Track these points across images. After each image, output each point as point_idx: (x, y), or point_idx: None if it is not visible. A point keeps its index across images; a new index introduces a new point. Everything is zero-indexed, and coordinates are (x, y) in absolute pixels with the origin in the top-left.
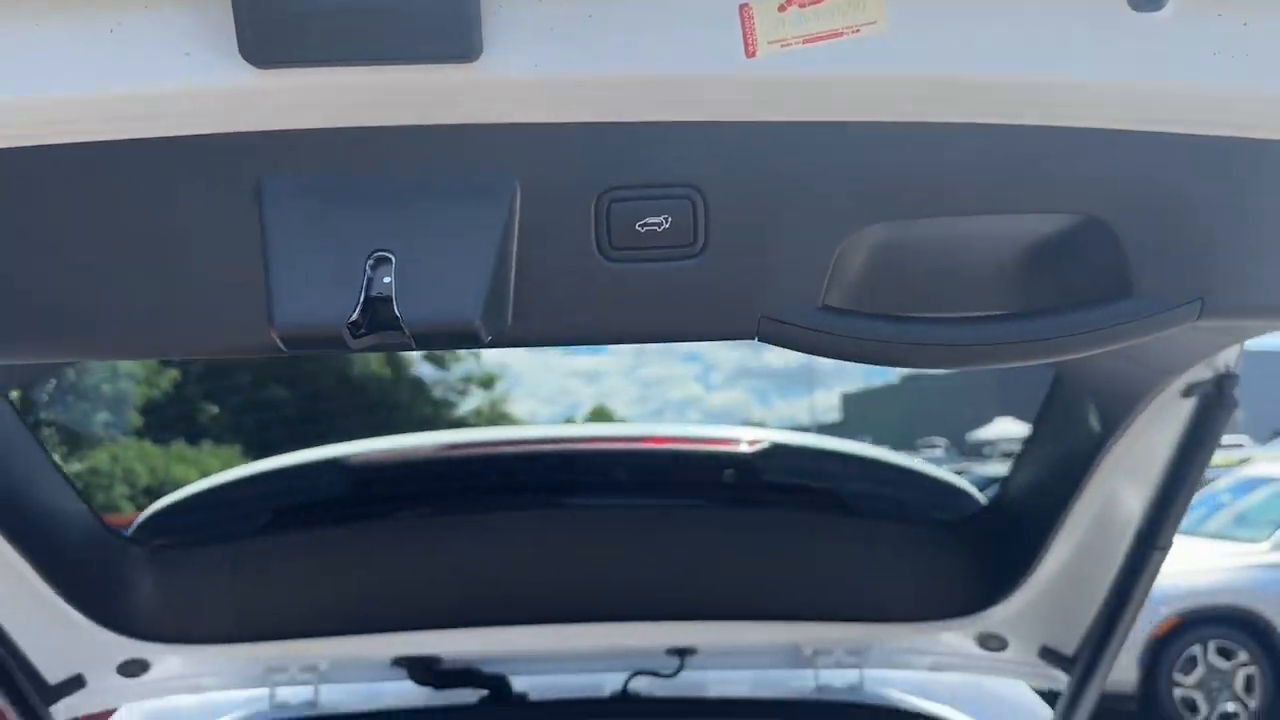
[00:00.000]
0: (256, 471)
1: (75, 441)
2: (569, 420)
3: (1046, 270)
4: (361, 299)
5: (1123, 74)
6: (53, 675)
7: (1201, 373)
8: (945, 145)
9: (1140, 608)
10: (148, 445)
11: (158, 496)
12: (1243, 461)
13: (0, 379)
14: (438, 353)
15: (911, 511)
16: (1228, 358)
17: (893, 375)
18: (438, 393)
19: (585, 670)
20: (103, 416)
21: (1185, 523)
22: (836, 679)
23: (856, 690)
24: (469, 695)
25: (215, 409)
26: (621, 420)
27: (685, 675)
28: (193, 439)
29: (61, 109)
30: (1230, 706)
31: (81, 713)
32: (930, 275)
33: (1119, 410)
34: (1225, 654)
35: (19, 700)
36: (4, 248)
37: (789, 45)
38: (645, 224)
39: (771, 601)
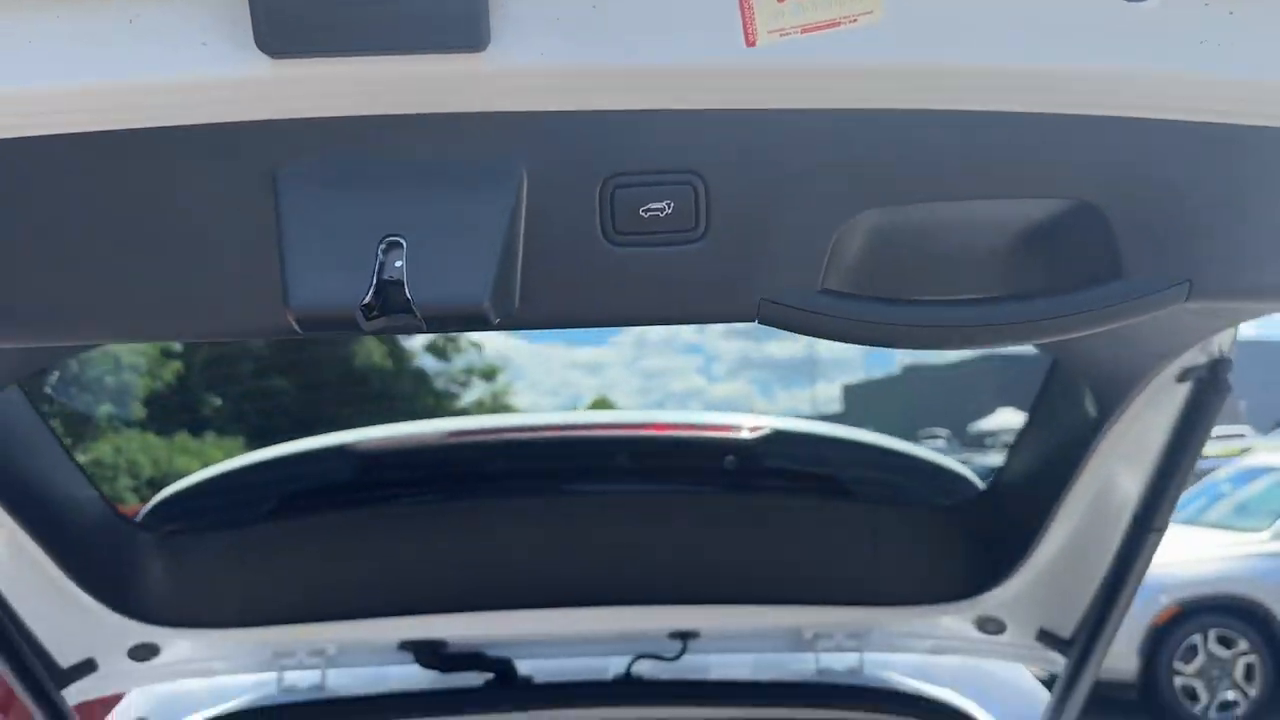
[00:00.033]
0: (264, 458)
1: (79, 433)
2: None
3: (1039, 254)
4: (374, 282)
5: (1113, 62)
6: (65, 659)
7: (1196, 357)
8: (939, 132)
9: (1136, 590)
10: (151, 437)
11: (161, 488)
12: (1244, 451)
13: (12, 367)
14: (439, 344)
15: (910, 496)
16: (1222, 343)
17: (894, 366)
18: (439, 384)
19: (589, 653)
20: (106, 408)
21: (1186, 512)
22: (837, 662)
23: (856, 673)
24: (475, 678)
25: (218, 401)
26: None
27: (688, 658)
28: (196, 430)
29: (84, 98)
30: (1230, 695)
31: (93, 695)
32: (926, 259)
33: (1115, 395)
34: (1225, 643)
35: (32, 683)
36: (28, 233)
37: (788, 35)
38: (648, 209)
39: (772, 586)
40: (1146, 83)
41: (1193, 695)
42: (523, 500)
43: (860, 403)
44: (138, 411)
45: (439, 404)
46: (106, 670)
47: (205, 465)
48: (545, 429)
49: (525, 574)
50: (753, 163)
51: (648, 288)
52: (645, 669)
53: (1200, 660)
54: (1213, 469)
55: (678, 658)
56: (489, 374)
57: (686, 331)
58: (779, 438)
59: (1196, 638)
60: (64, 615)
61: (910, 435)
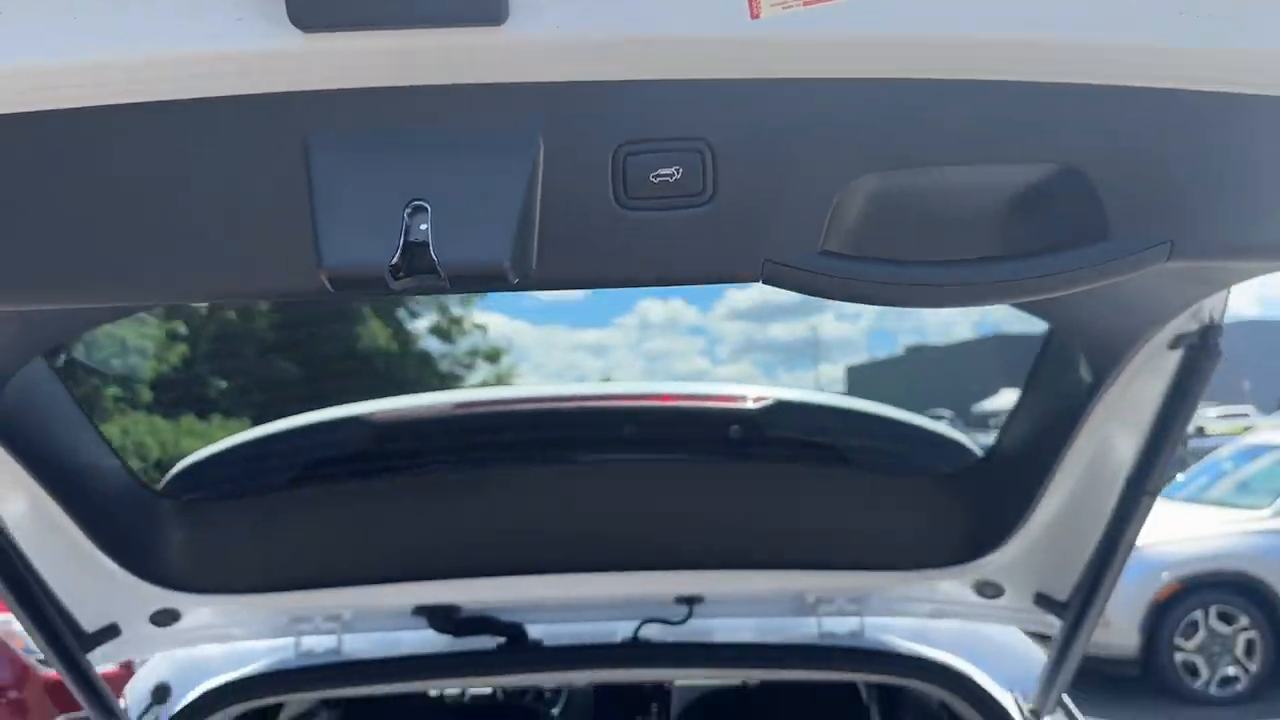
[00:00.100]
0: (282, 428)
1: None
2: None
3: (1027, 217)
4: (401, 244)
5: (1098, 32)
6: (89, 624)
7: (1187, 325)
8: (934, 100)
9: (1130, 551)
10: (158, 419)
11: (168, 470)
12: (1247, 430)
13: (39, 339)
14: (444, 326)
15: (910, 464)
16: (1213, 310)
17: (897, 347)
18: (444, 366)
19: (598, 618)
20: (113, 391)
21: (1188, 490)
22: (838, 626)
23: (857, 637)
24: (487, 642)
25: (224, 384)
26: None
27: (693, 622)
28: (202, 413)
29: (125, 71)
30: (1231, 670)
31: (116, 660)
32: (920, 221)
33: (1109, 362)
34: (1226, 619)
35: (60, 647)
36: (78, 199)
37: (790, 7)
38: (658, 175)
39: (775, 551)
40: (1130, 52)
41: (1194, 671)
42: (533, 469)
43: (864, 384)
44: (144, 394)
45: (443, 386)
46: (129, 635)
47: None
48: (555, 400)
49: (535, 541)
50: (757, 130)
51: (658, 249)
52: (652, 633)
53: (1201, 636)
54: (1216, 447)
55: (684, 622)
56: (493, 356)
57: (690, 314)
58: (782, 407)
59: (1198, 614)
60: (88, 581)
61: None
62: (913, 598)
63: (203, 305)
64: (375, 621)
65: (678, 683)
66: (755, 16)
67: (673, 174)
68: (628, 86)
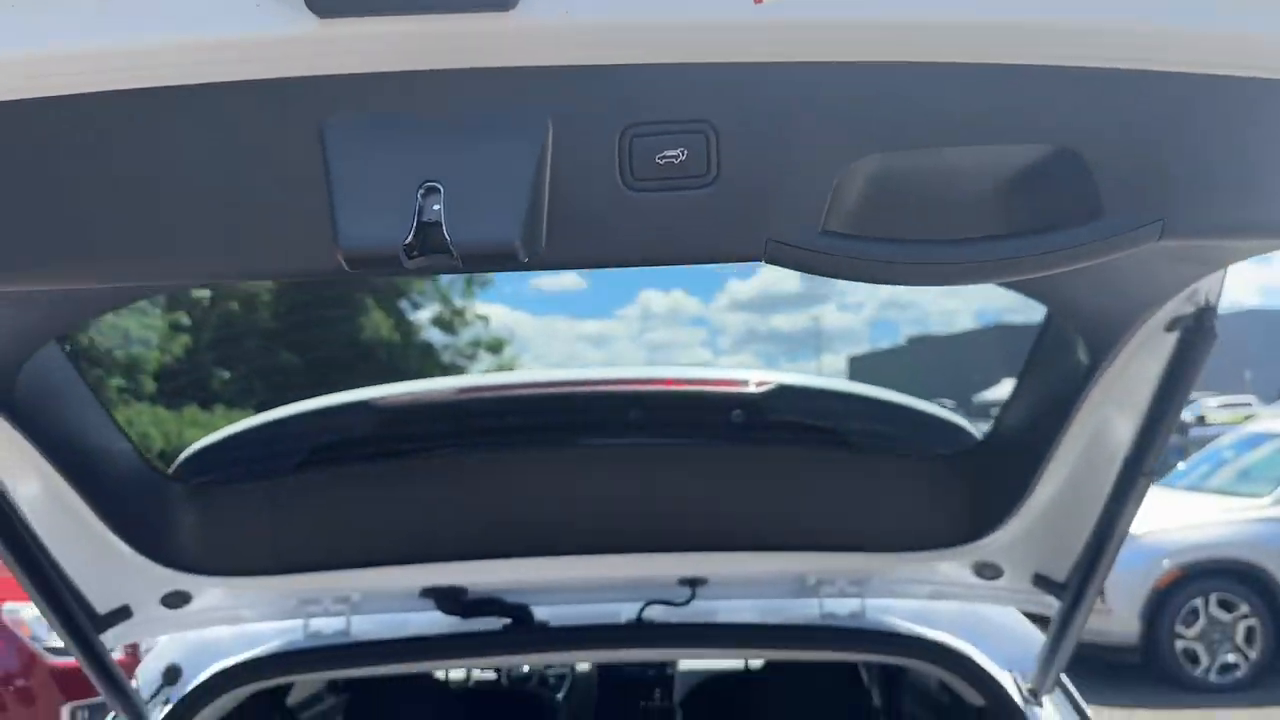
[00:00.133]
0: (291, 413)
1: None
2: None
3: (1023, 197)
4: (415, 224)
5: (1095, 15)
6: (102, 605)
7: (1183, 307)
8: (932, 82)
9: (1128, 532)
10: (161, 410)
11: (172, 461)
12: (1247, 419)
13: (53, 323)
14: (446, 317)
15: (910, 446)
16: (1208, 293)
17: (899, 338)
18: (446, 357)
19: (602, 599)
20: (117, 382)
21: (1189, 478)
22: (839, 607)
23: (858, 617)
24: (493, 623)
25: (227, 375)
26: None
27: (696, 604)
28: (205, 404)
29: (146, 56)
30: (1231, 658)
31: (128, 641)
32: (919, 202)
33: (1105, 344)
34: (1226, 606)
35: (73, 628)
36: (96, 183)
37: None
38: (664, 156)
39: (777, 534)
40: (1124, 35)
41: (1194, 658)
42: (539, 453)
43: (866, 374)
44: (148, 385)
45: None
46: (140, 617)
47: None
48: (560, 384)
49: (541, 523)
50: (760, 112)
51: (664, 230)
52: (656, 614)
53: (1201, 624)
54: (1217, 436)
55: (687, 603)
56: (495, 347)
57: (692, 304)
58: (784, 392)
59: (1198, 601)
60: (101, 563)
61: None
62: (913, 579)
63: (205, 296)
64: (383, 603)
65: (680, 667)
66: (758, 1)
67: (678, 156)
68: (633, 70)
